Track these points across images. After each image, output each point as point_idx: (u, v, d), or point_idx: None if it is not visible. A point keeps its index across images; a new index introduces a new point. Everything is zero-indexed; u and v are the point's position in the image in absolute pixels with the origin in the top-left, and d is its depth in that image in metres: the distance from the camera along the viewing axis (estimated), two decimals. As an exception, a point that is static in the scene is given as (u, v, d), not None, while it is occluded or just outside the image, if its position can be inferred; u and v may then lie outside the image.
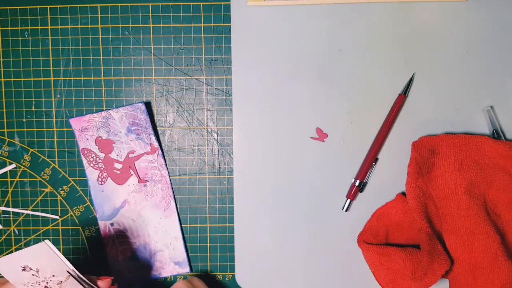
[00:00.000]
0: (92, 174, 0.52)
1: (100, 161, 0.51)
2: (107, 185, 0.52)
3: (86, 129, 0.51)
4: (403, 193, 0.50)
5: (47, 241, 0.40)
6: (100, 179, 0.52)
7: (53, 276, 0.43)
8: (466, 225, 0.46)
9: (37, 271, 0.42)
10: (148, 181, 0.52)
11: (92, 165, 0.52)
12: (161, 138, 0.52)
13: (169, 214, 0.52)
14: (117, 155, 0.51)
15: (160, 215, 0.52)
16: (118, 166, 0.52)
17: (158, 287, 0.53)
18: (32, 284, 0.43)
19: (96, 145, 0.51)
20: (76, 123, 0.51)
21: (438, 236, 0.48)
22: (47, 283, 0.43)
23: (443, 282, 0.49)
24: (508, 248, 0.46)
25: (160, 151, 0.52)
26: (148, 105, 0.52)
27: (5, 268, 0.42)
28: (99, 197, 0.52)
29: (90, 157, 0.51)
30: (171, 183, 0.52)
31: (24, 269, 0.42)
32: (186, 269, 0.52)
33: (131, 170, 0.51)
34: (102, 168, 0.52)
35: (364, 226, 0.51)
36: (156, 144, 0.51)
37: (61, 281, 0.43)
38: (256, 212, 0.52)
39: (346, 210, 0.51)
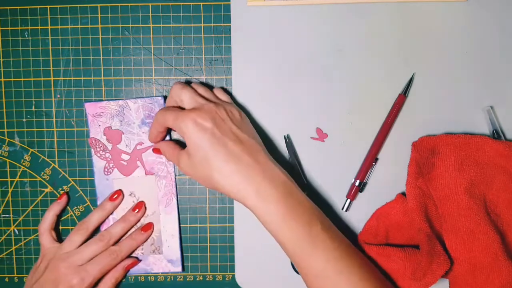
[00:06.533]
0: (98, 162, 0.52)
1: (108, 151, 0.52)
2: (112, 175, 0.52)
3: (100, 116, 0.51)
4: (403, 193, 0.50)
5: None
6: (106, 170, 0.52)
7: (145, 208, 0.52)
8: (466, 225, 0.46)
9: (137, 200, 0.52)
10: (154, 173, 0.52)
11: (99, 155, 0.52)
12: (161, 138, 0.52)
13: (170, 211, 0.52)
14: (127, 145, 0.51)
15: (161, 210, 0.52)
16: (125, 157, 0.52)
17: (147, 282, 0.53)
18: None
19: (104, 135, 0.51)
20: (91, 108, 0.51)
21: (438, 236, 0.48)
22: None
23: (443, 282, 0.49)
24: (508, 248, 0.46)
25: None
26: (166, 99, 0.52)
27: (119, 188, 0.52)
28: (102, 185, 0.52)
29: (97, 147, 0.51)
30: (175, 181, 0.52)
31: (130, 194, 0.52)
32: (178, 268, 0.52)
33: (138, 162, 0.51)
34: (109, 159, 0.52)
35: (364, 226, 0.51)
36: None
37: (148, 215, 0.52)
38: (256, 212, 0.52)
39: (346, 210, 0.51)
